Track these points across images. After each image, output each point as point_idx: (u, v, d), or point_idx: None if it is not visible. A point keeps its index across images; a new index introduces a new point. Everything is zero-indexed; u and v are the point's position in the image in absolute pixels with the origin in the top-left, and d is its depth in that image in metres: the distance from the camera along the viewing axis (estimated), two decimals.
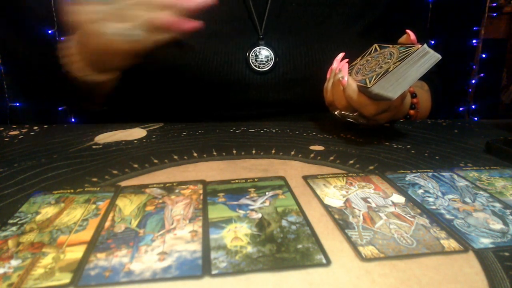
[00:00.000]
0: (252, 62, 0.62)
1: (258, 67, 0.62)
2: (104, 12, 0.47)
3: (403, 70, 0.43)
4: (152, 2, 0.47)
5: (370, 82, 0.44)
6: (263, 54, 0.62)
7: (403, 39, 0.49)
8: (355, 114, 0.49)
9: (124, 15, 0.47)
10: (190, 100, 0.67)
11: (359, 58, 0.54)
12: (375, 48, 0.52)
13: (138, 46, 0.49)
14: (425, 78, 0.74)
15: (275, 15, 0.64)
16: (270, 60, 0.62)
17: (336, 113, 0.52)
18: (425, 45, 0.44)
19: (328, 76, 0.54)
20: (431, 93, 0.72)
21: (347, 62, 0.51)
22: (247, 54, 0.62)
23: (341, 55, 0.53)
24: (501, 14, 1.78)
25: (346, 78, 0.48)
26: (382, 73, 0.44)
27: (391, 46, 0.49)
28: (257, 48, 0.62)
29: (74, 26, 0.50)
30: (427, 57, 0.44)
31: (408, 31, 0.48)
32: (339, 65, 0.52)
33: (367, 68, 0.48)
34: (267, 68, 0.62)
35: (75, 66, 0.54)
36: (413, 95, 0.64)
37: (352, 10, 0.66)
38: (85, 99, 0.61)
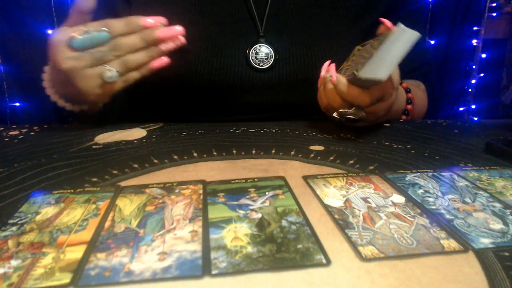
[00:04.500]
0: (252, 60, 0.62)
1: (258, 65, 0.62)
2: (85, 56, 0.48)
3: (386, 52, 0.44)
4: (126, 43, 0.49)
5: (358, 71, 0.46)
6: (263, 52, 0.62)
7: (381, 29, 0.50)
8: (352, 109, 0.50)
9: (103, 59, 0.49)
10: (190, 103, 0.67)
11: (345, 62, 0.54)
12: (357, 49, 0.53)
13: (111, 87, 0.51)
14: (422, 77, 0.74)
15: (274, 15, 0.64)
16: (270, 58, 0.62)
17: (334, 114, 0.52)
18: (400, 24, 0.45)
19: (319, 85, 0.55)
20: (427, 92, 0.73)
21: (333, 64, 0.52)
22: (247, 51, 0.62)
23: (327, 63, 0.54)
24: (501, 14, 1.78)
25: (334, 76, 0.49)
26: (367, 60, 0.45)
27: (371, 40, 0.50)
28: (257, 46, 0.62)
29: (54, 63, 0.50)
30: (406, 36, 0.44)
31: (383, 19, 0.49)
32: (326, 69, 0.53)
33: (353, 66, 0.49)
34: (267, 66, 0.62)
35: (51, 96, 0.55)
36: (409, 101, 0.64)
37: (351, 12, 0.66)
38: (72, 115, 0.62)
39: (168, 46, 0.52)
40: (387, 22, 0.49)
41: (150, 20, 0.51)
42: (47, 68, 0.56)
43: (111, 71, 0.49)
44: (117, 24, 0.49)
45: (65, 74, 0.49)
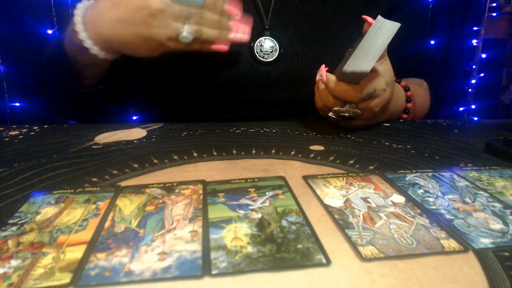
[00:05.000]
0: (257, 52, 0.62)
1: (263, 58, 0.62)
2: (176, 7, 0.49)
3: (367, 44, 0.45)
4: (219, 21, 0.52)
5: (343, 67, 0.46)
6: (268, 45, 0.63)
7: (365, 27, 0.50)
8: (346, 106, 0.50)
9: (187, 18, 0.50)
10: (194, 99, 0.67)
11: (339, 65, 0.55)
12: (348, 50, 0.54)
13: (171, 45, 0.51)
14: (424, 76, 0.74)
15: (279, 9, 0.65)
16: (275, 51, 0.63)
17: (329, 114, 0.52)
18: (379, 16, 0.45)
19: (315, 90, 0.55)
20: (430, 90, 0.73)
21: (323, 65, 0.53)
22: (252, 44, 0.62)
23: (321, 67, 0.54)
24: (501, 14, 1.78)
25: (324, 76, 0.50)
26: (351, 54, 0.46)
27: (359, 39, 0.50)
28: (262, 38, 0.63)
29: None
30: (386, 27, 0.45)
31: (365, 17, 0.49)
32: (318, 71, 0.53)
33: (342, 65, 0.49)
34: (272, 59, 0.63)
35: (82, 37, 0.53)
36: (409, 100, 0.64)
37: (357, 10, 0.66)
38: (76, 76, 0.59)
39: (236, 37, 0.55)
40: (368, 18, 0.49)
41: (233, 9, 0.54)
42: (98, 6, 0.53)
43: (188, 33, 0.50)
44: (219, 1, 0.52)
45: (146, 13, 0.49)
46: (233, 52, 0.62)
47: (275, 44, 0.63)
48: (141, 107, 0.77)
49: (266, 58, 0.63)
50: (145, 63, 0.65)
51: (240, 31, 0.55)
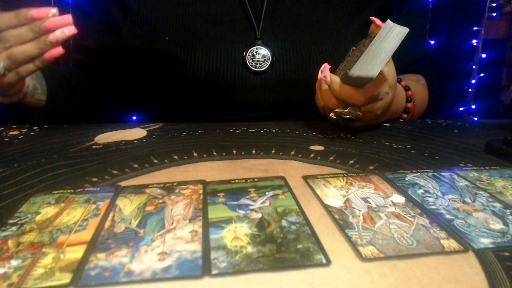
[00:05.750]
0: (249, 62, 0.62)
1: (255, 67, 0.62)
2: None
3: (375, 48, 0.45)
4: (20, 35, 0.46)
5: (349, 70, 0.46)
6: (260, 54, 0.62)
7: (372, 28, 0.50)
8: (348, 109, 0.50)
9: None
10: (187, 104, 0.67)
11: (341, 63, 0.54)
12: (352, 49, 0.53)
13: (1, 80, 0.48)
14: (422, 73, 0.74)
15: (271, 13, 0.64)
16: (267, 60, 0.62)
17: (331, 115, 0.52)
18: (388, 20, 0.45)
19: (316, 87, 0.55)
20: (429, 91, 0.73)
21: (328, 65, 0.52)
22: (244, 54, 0.62)
23: (324, 65, 0.54)
24: (501, 14, 1.78)
25: (328, 77, 0.49)
26: (358, 58, 0.46)
27: (364, 40, 0.50)
28: (254, 48, 0.62)
29: None
30: (394, 32, 0.45)
31: (372, 18, 0.49)
32: (321, 70, 0.53)
33: (347, 66, 0.49)
34: (264, 68, 0.62)
35: None
36: (409, 99, 0.64)
37: (349, 9, 0.66)
38: None
39: (58, 36, 0.47)
40: (376, 20, 0.49)
41: (38, 11, 0.47)
42: None
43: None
44: (5, 16, 0.46)
45: None
46: (225, 60, 0.62)
47: (267, 53, 0.62)
48: (138, 110, 0.77)
49: (258, 68, 0.62)
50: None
51: (60, 26, 0.47)
